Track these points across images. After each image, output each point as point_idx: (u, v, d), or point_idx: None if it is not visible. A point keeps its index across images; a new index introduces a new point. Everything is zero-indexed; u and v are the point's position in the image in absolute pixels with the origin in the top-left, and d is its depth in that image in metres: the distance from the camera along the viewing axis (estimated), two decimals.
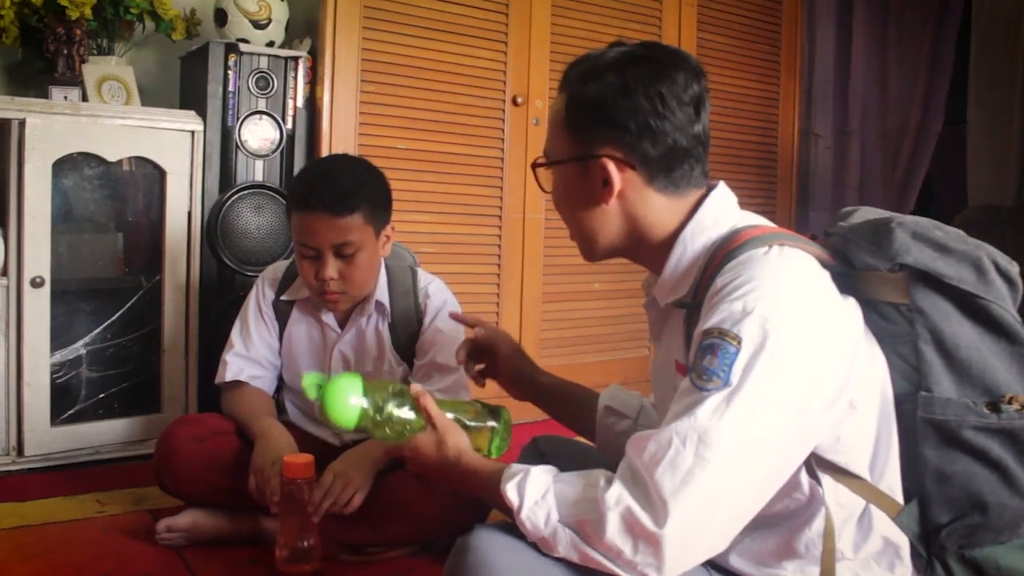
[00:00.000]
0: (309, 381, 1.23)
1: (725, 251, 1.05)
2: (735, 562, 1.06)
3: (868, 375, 1.04)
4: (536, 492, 0.98)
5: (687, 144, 1.11)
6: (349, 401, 1.19)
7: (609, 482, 0.94)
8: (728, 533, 0.95)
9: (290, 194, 1.84)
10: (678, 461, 0.90)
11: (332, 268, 1.76)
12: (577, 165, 1.13)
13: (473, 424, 1.28)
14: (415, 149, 2.69)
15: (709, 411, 0.92)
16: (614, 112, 1.09)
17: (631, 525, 0.90)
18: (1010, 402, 1.01)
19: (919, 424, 1.03)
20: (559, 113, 1.16)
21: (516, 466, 1.03)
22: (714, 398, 0.93)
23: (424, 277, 1.98)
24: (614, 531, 0.91)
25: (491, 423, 1.30)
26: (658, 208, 1.13)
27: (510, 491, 0.99)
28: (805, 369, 0.95)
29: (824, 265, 1.08)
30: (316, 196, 1.73)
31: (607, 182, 1.11)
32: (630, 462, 0.95)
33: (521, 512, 0.97)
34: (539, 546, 0.96)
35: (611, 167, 1.10)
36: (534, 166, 1.20)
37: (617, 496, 0.92)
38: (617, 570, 0.92)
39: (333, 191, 1.74)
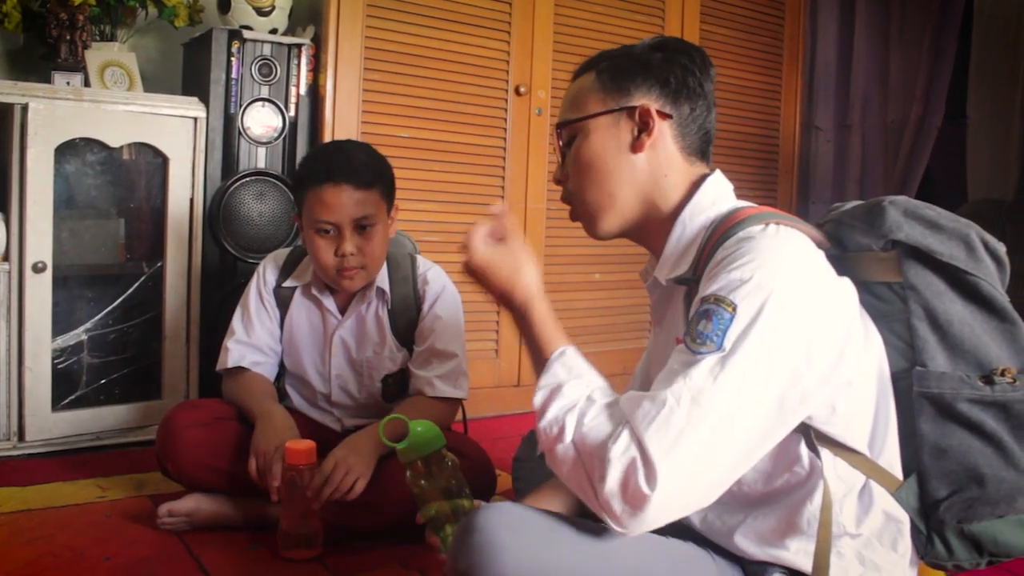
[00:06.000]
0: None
1: (724, 227, 1.07)
2: (739, 542, 1.07)
3: (864, 353, 1.05)
4: (562, 406, 0.99)
5: (709, 124, 1.18)
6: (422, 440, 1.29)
7: (617, 437, 0.93)
8: (711, 494, 0.95)
9: (305, 173, 1.83)
10: (671, 420, 0.91)
11: (351, 243, 1.78)
12: (610, 117, 1.16)
13: (454, 493, 1.26)
14: (417, 138, 2.69)
15: (704, 373, 0.93)
16: (657, 67, 1.15)
17: (626, 482, 0.90)
18: (1003, 374, 1.04)
19: (915, 399, 1.06)
20: (587, 81, 1.19)
21: (559, 363, 1.04)
22: (708, 360, 0.93)
23: (423, 263, 1.99)
24: (613, 483, 0.91)
25: (464, 502, 1.27)
26: (677, 169, 1.16)
27: (539, 394, 1.02)
28: (799, 339, 0.96)
29: (818, 246, 1.09)
30: (339, 169, 1.77)
31: (643, 129, 1.14)
32: (627, 420, 0.95)
33: (542, 421, 0.99)
34: (542, 436, 0.99)
35: (653, 110, 1.13)
36: (559, 125, 1.21)
37: (624, 448, 0.92)
38: (598, 506, 0.93)
39: (355, 164, 1.79)
